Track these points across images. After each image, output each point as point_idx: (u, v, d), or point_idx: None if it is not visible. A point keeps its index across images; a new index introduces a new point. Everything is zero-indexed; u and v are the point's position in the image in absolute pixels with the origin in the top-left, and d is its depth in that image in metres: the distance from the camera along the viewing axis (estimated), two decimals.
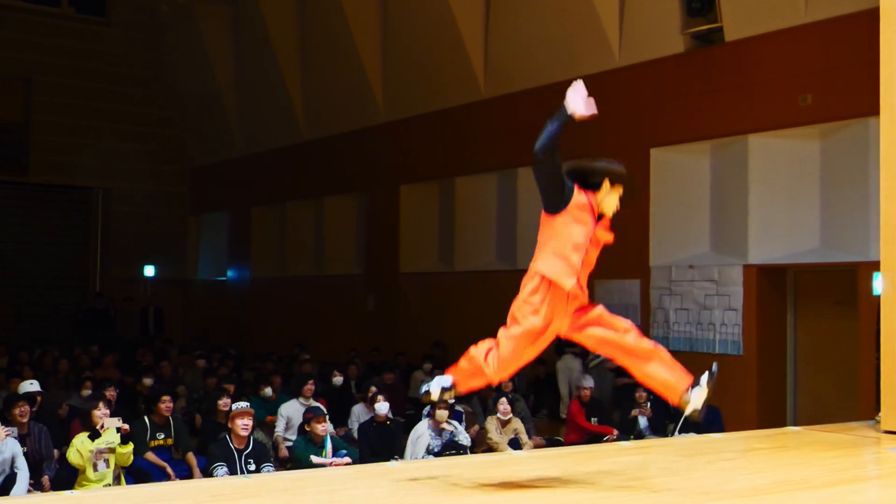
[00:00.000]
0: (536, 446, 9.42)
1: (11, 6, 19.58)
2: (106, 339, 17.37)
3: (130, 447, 7.71)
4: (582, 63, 12.53)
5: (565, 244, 4.38)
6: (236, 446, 7.94)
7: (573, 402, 10.62)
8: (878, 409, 6.55)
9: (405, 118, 15.88)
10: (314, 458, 8.45)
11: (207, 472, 7.89)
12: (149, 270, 21.37)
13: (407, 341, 14.97)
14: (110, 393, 9.39)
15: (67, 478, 7.87)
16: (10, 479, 7.39)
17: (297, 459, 8.59)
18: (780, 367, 11.09)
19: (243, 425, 7.95)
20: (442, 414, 8.63)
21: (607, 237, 4.53)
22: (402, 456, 8.69)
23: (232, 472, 7.70)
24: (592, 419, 10.36)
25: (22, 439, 7.88)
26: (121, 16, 20.94)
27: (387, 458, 7.77)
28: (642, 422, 9.91)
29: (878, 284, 6.85)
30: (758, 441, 6.56)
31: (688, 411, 4.45)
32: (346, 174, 17.30)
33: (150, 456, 8.75)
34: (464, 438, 8.81)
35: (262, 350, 16.06)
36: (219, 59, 19.86)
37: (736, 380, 10.82)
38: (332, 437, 8.88)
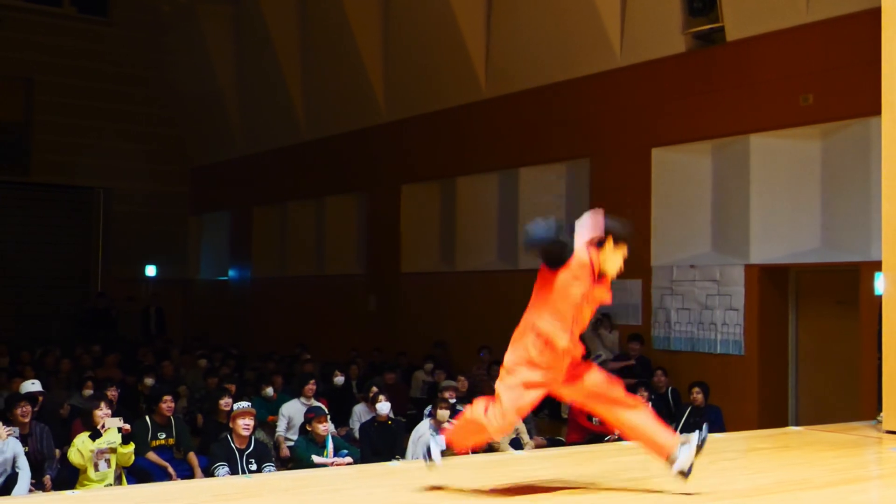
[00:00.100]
0: (538, 446, 9.41)
1: (13, 6, 19.57)
2: (107, 338, 17.35)
3: (132, 447, 7.71)
4: (583, 63, 12.54)
5: (562, 302, 4.36)
6: (238, 446, 7.94)
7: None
8: (879, 409, 6.56)
9: (406, 118, 15.86)
10: (315, 458, 8.45)
11: (209, 472, 7.90)
12: (150, 270, 21.38)
13: (408, 341, 14.97)
14: (112, 393, 9.40)
15: (69, 478, 7.88)
16: (12, 479, 7.41)
17: (298, 459, 8.60)
18: (782, 366, 11.08)
19: (245, 425, 7.95)
20: (443, 414, 8.62)
21: (605, 297, 4.47)
22: (403, 456, 8.69)
23: (233, 471, 7.70)
24: (594, 419, 10.34)
25: (23, 439, 7.90)
26: (122, 15, 20.95)
27: (388, 458, 7.78)
28: None
29: (880, 284, 6.85)
30: (759, 441, 6.57)
31: (673, 470, 4.39)
32: (347, 174, 17.29)
33: (152, 456, 8.76)
34: None
35: (263, 350, 16.05)
36: (220, 58, 19.85)
37: (737, 380, 10.82)
38: (333, 437, 8.88)
